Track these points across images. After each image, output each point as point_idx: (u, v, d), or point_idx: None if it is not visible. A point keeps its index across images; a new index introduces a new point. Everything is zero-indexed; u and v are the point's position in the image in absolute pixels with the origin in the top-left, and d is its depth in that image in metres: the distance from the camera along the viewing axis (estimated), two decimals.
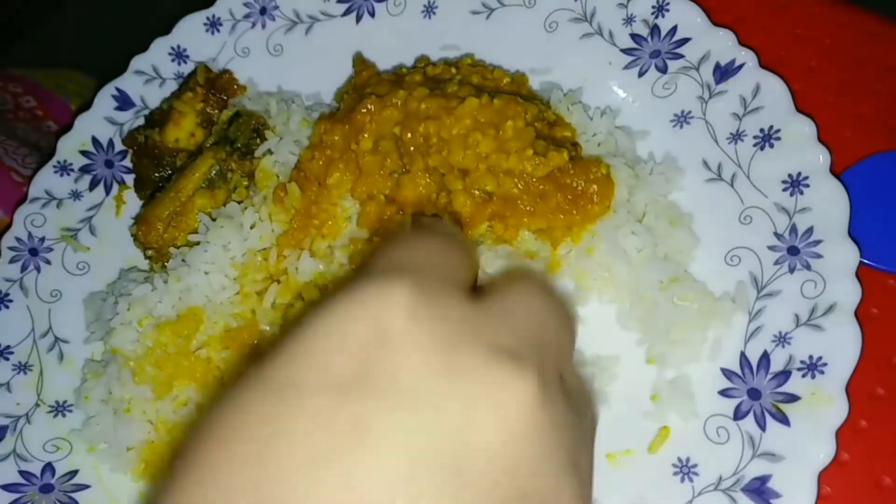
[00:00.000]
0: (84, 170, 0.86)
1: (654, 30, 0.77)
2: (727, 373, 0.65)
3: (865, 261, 0.67)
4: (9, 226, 0.84)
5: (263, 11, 0.88)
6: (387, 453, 0.28)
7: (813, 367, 0.61)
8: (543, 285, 0.38)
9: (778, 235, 0.67)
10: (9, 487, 0.72)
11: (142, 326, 0.75)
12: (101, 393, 0.75)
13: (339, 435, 0.28)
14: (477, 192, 0.72)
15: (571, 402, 0.35)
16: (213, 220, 0.79)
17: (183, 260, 0.77)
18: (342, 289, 0.32)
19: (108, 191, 0.87)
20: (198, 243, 0.77)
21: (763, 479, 0.59)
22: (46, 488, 0.73)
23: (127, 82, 0.88)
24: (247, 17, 0.88)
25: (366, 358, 0.30)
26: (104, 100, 0.88)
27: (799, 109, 0.69)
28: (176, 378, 0.74)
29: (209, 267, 0.76)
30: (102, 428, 0.74)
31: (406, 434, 0.28)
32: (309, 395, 0.29)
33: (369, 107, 0.74)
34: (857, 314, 0.61)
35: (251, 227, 0.77)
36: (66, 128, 0.87)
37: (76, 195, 0.85)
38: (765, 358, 0.63)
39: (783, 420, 0.60)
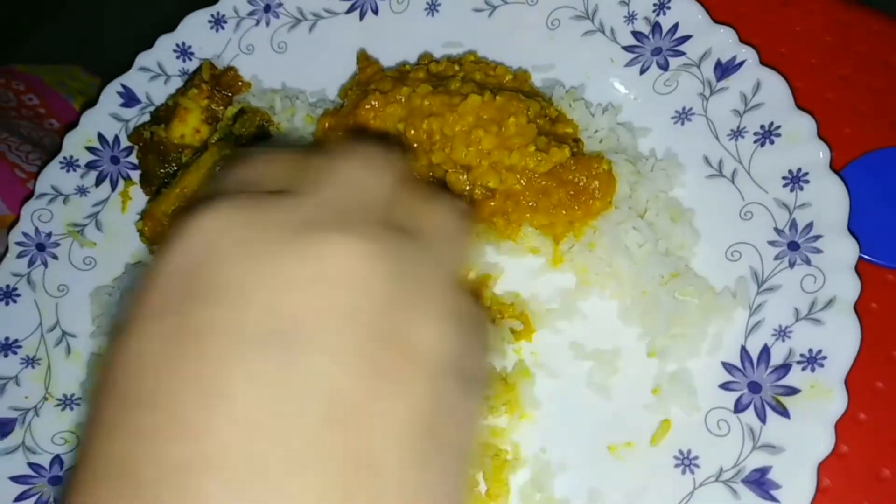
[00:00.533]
0: (90, 166, 0.87)
1: (656, 27, 0.77)
2: (728, 366, 0.66)
3: (865, 256, 0.67)
4: (16, 221, 0.85)
5: (268, 9, 0.88)
6: (215, 351, 0.29)
7: (813, 360, 0.61)
8: (364, 152, 0.38)
9: (778, 231, 0.68)
10: (18, 479, 0.73)
11: None
12: None
13: (174, 346, 0.29)
14: (479, 188, 0.73)
15: (419, 238, 0.35)
16: None
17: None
18: (170, 234, 0.34)
19: (113, 187, 0.87)
20: None
21: (763, 471, 0.60)
22: (55, 480, 0.74)
23: (132, 79, 0.89)
24: (251, 14, 0.89)
25: (187, 276, 0.31)
26: (110, 96, 0.88)
27: (799, 106, 0.70)
28: None
29: None
30: None
31: (230, 323, 0.29)
32: (140, 322, 0.31)
33: (373, 103, 0.75)
34: (856, 308, 0.62)
35: None
36: (73, 124, 0.88)
37: (82, 191, 0.86)
38: (765, 351, 0.64)
39: (783, 413, 0.61)
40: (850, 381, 0.60)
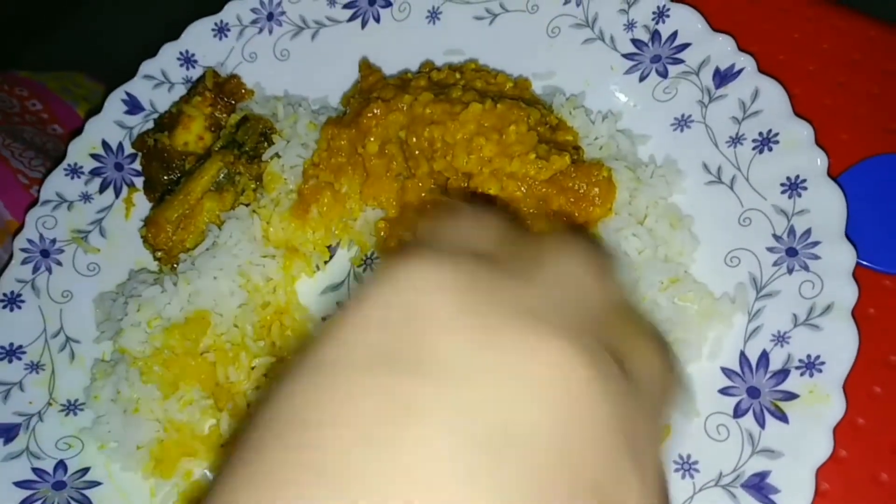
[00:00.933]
0: (94, 172, 0.88)
1: (655, 35, 0.78)
2: (727, 372, 0.66)
3: (863, 262, 0.68)
4: (20, 228, 0.85)
5: (271, 17, 0.89)
6: (430, 433, 0.26)
7: (811, 365, 0.62)
8: (585, 249, 0.35)
9: (777, 237, 0.68)
10: (22, 484, 0.74)
11: (150, 327, 0.76)
12: (110, 392, 0.76)
13: (381, 413, 0.26)
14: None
15: (631, 381, 0.31)
16: (222, 223, 0.80)
17: (192, 263, 0.78)
18: (371, 278, 0.31)
19: (117, 193, 0.88)
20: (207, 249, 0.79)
21: (762, 475, 0.60)
22: (59, 485, 0.74)
23: (136, 86, 0.89)
24: (254, 22, 0.90)
25: (398, 333, 0.28)
26: (114, 104, 0.89)
27: (797, 113, 0.70)
28: (182, 378, 0.75)
29: (217, 273, 0.77)
30: (111, 427, 0.76)
31: (449, 413, 0.26)
32: (342, 371, 0.28)
33: (375, 111, 0.76)
34: (854, 314, 0.62)
35: (259, 234, 0.79)
36: (77, 131, 0.89)
37: (86, 197, 0.87)
38: (764, 357, 0.65)
39: (782, 418, 0.61)
40: (848, 386, 0.60)
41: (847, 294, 0.63)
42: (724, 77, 0.74)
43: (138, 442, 0.75)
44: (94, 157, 0.88)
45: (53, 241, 0.85)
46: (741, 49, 0.74)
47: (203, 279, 0.77)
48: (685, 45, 0.77)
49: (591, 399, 0.28)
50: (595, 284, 0.33)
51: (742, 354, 0.66)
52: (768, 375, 0.64)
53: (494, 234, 0.36)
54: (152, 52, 0.90)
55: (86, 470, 0.75)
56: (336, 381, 0.28)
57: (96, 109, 0.89)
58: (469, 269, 0.30)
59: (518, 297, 0.30)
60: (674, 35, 0.77)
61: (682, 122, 0.76)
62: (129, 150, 0.89)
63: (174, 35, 0.90)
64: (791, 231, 0.67)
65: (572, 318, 0.30)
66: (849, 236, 0.65)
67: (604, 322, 0.32)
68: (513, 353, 0.28)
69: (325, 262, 0.81)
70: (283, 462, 0.26)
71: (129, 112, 0.89)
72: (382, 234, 0.77)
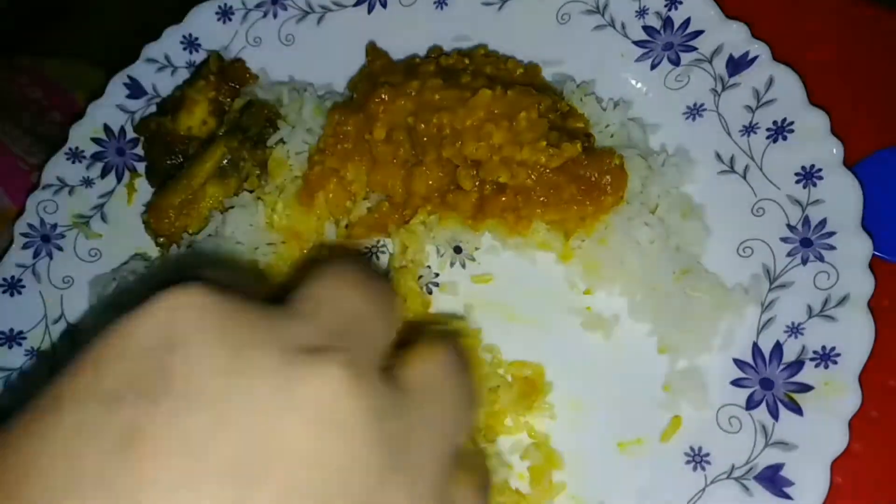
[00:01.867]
0: (96, 157, 0.86)
1: (667, 22, 0.77)
2: (739, 363, 0.65)
3: (877, 253, 0.67)
4: (20, 212, 0.84)
5: (275, 1, 0.88)
6: (162, 463, 0.25)
7: (826, 357, 0.61)
8: (354, 272, 0.35)
9: (791, 227, 0.67)
10: None
11: None
12: None
13: (106, 447, 0.25)
14: (489, 184, 0.72)
15: (406, 395, 0.31)
16: (225, 209, 0.79)
17: (189, 246, 0.77)
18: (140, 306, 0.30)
19: (119, 178, 0.87)
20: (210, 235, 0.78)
21: (776, 468, 0.59)
22: None
23: (139, 70, 0.88)
24: (258, 6, 0.88)
25: (146, 364, 0.27)
26: (116, 88, 0.88)
27: (812, 102, 0.69)
28: None
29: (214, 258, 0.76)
30: None
31: (183, 440, 0.26)
32: (77, 406, 0.27)
33: (383, 96, 0.75)
34: (869, 305, 0.61)
35: (262, 220, 0.78)
36: (79, 115, 0.87)
37: (88, 182, 0.86)
38: (777, 348, 0.64)
39: (796, 410, 0.61)
40: (862, 379, 0.60)
41: (863, 285, 0.62)
42: (737, 65, 0.73)
43: None
44: (96, 141, 0.87)
45: (54, 226, 0.83)
46: (755, 37, 0.73)
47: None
48: (698, 33, 0.76)
49: (349, 417, 0.28)
50: (363, 304, 0.34)
51: (755, 346, 0.65)
52: (782, 367, 0.63)
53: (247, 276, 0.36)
54: (154, 37, 0.89)
55: None
56: (49, 415, 0.27)
57: (98, 93, 0.88)
58: (230, 301, 0.30)
59: (277, 330, 0.30)
60: (686, 22, 0.76)
61: (695, 111, 0.75)
62: (131, 134, 0.87)
63: (177, 18, 0.89)
64: (806, 221, 0.67)
65: (340, 343, 0.31)
66: (864, 226, 0.64)
67: (387, 347, 0.33)
68: (261, 380, 0.28)
69: None
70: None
71: (131, 96, 0.88)
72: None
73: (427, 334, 0.36)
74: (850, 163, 0.68)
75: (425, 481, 0.30)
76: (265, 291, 0.35)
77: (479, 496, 0.34)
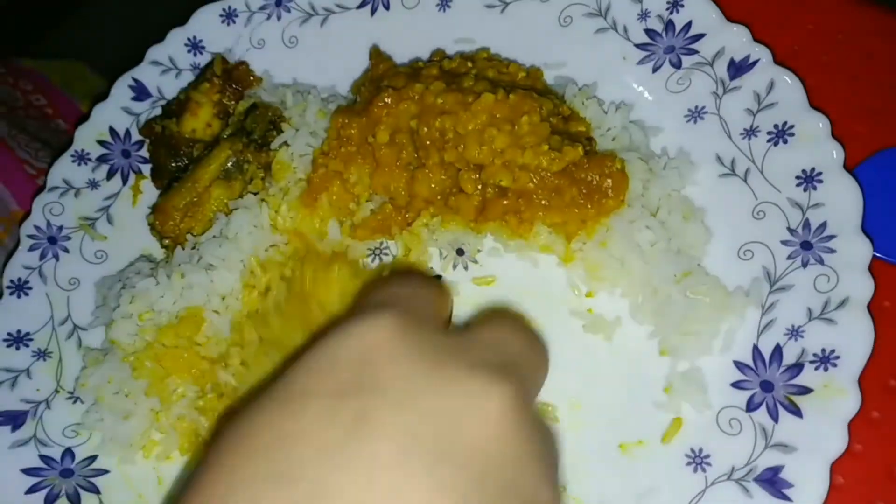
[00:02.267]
0: (101, 159, 0.87)
1: (669, 25, 0.77)
2: (740, 365, 0.66)
3: (877, 254, 0.67)
4: (27, 215, 0.85)
5: (279, 3, 0.88)
6: (384, 441, 0.32)
7: (826, 359, 0.62)
8: (519, 324, 0.43)
9: (791, 230, 0.68)
10: (30, 471, 0.73)
11: (142, 321, 0.75)
12: (98, 380, 0.76)
13: (343, 427, 0.32)
14: (491, 187, 0.73)
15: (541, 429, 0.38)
16: (230, 211, 0.79)
17: (193, 247, 0.78)
18: (334, 327, 0.37)
19: (125, 180, 0.87)
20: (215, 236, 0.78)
21: (776, 470, 0.60)
22: (66, 473, 0.74)
23: (144, 73, 0.89)
24: (262, 8, 0.89)
25: (359, 371, 0.34)
26: (121, 90, 0.88)
27: (813, 105, 0.70)
28: (174, 372, 0.75)
29: (217, 262, 0.76)
30: (102, 417, 0.75)
31: (400, 425, 0.32)
32: (312, 398, 0.34)
33: (386, 100, 0.75)
34: (869, 307, 0.62)
35: (266, 222, 0.78)
36: (84, 117, 0.88)
37: (94, 184, 0.86)
38: (777, 351, 0.64)
39: (796, 412, 0.61)
40: (862, 380, 0.60)
41: (863, 288, 0.63)
42: (738, 68, 0.73)
43: (130, 434, 0.74)
44: (102, 143, 0.87)
45: (60, 228, 0.84)
46: (756, 40, 0.73)
47: (197, 273, 0.75)
48: (699, 36, 0.76)
49: (519, 426, 0.35)
50: (525, 348, 0.41)
51: (755, 348, 0.66)
52: (782, 369, 0.64)
53: (437, 298, 0.44)
54: (159, 40, 0.89)
55: (93, 458, 0.75)
56: (305, 404, 0.34)
57: (103, 96, 0.89)
58: (418, 327, 0.37)
59: (460, 351, 0.37)
60: (688, 25, 0.76)
61: (696, 114, 0.75)
62: (136, 136, 0.88)
63: (181, 21, 0.89)
64: (806, 224, 0.67)
65: (508, 366, 0.38)
66: (864, 229, 0.65)
67: (538, 382, 0.42)
68: (454, 385, 0.35)
69: None
70: (254, 474, 0.32)
71: (136, 98, 0.88)
72: None
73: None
74: (849, 164, 0.68)
75: (558, 492, 0.37)
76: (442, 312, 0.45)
77: None
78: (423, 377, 0.34)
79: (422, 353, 0.36)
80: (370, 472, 0.31)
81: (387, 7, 0.87)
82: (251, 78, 0.88)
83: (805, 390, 0.61)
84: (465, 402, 0.34)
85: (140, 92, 0.89)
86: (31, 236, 0.83)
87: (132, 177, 0.87)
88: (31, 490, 0.73)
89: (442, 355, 0.36)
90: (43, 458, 0.75)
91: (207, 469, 0.33)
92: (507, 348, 0.40)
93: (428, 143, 0.74)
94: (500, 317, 0.43)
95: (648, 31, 0.78)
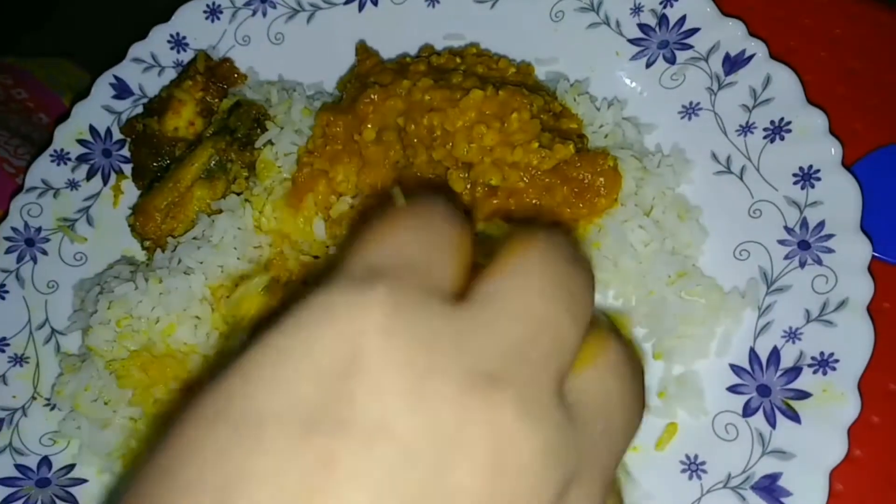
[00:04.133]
0: (81, 159, 0.85)
1: (663, 20, 0.76)
2: (736, 369, 0.64)
3: (876, 254, 0.65)
4: (5, 215, 0.82)
5: None
6: (353, 491, 0.26)
7: (824, 363, 0.60)
8: (556, 261, 0.32)
9: (788, 230, 0.66)
10: (4, 482, 0.71)
11: (120, 327, 0.73)
12: (74, 387, 0.74)
13: (306, 472, 0.26)
14: (481, 186, 0.71)
15: (576, 416, 0.30)
16: (213, 212, 0.77)
17: (174, 250, 0.76)
18: (312, 295, 0.29)
19: (105, 180, 0.85)
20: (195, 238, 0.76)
21: (773, 477, 0.58)
22: (43, 482, 0.72)
23: (125, 70, 0.86)
24: (247, 4, 0.87)
25: (334, 387, 0.28)
26: (102, 88, 0.86)
27: (810, 101, 0.68)
28: (160, 382, 0.72)
29: (196, 265, 0.74)
30: (79, 426, 0.73)
31: (373, 470, 0.26)
32: (273, 429, 0.27)
33: (372, 97, 0.73)
34: (868, 309, 0.60)
35: (250, 222, 0.76)
36: (64, 116, 0.86)
37: (73, 185, 0.84)
38: (774, 354, 0.63)
39: (794, 417, 0.59)
40: (862, 384, 0.58)
41: (862, 289, 0.61)
42: (734, 63, 0.72)
43: (109, 444, 0.72)
44: (81, 142, 0.85)
45: (39, 230, 0.82)
46: (752, 34, 0.72)
47: (175, 278, 0.73)
48: (694, 30, 0.74)
49: (522, 459, 0.27)
50: (569, 319, 0.31)
51: (752, 351, 0.64)
52: (779, 373, 0.62)
53: (447, 252, 0.33)
54: (141, 37, 0.87)
55: (71, 467, 0.73)
56: (251, 434, 0.27)
57: (84, 94, 0.87)
58: (415, 309, 0.29)
59: (460, 346, 0.29)
60: (682, 20, 0.75)
61: (691, 110, 0.73)
62: (117, 135, 0.86)
63: (165, 17, 0.87)
64: (804, 223, 0.65)
65: (520, 366, 0.29)
66: (863, 228, 0.63)
67: (566, 350, 0.30)
68: (442, 415, 0.27)
69: None
70: None
71: (117, 96, 0.86)
72: None
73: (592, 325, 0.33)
74: (847, 162, 0.66)
75: None
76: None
77: None
78: (403, 397, 0.27)
79: (409, 356, 0.28)
80: None
81: (374, 3, 0.85)
82: (235, 75, 0.86)
83: (803, 395, 0.60)
84: (454, 438, 0.27)
85: (121, 90, 0.86)
86: (7, 238, 0.81)
87: (113, 177, 0.85)
88: (6, 501, 0.71)
89: (435, 356, 0.28)
90: (19, 467, 0.72)
91: (147, 478, 0.27)
92: (528, 314, 0.30)
93: (415, 140, 0.72)
94: (523, 267, 0.31)
95: (642, 26, 0.77)
